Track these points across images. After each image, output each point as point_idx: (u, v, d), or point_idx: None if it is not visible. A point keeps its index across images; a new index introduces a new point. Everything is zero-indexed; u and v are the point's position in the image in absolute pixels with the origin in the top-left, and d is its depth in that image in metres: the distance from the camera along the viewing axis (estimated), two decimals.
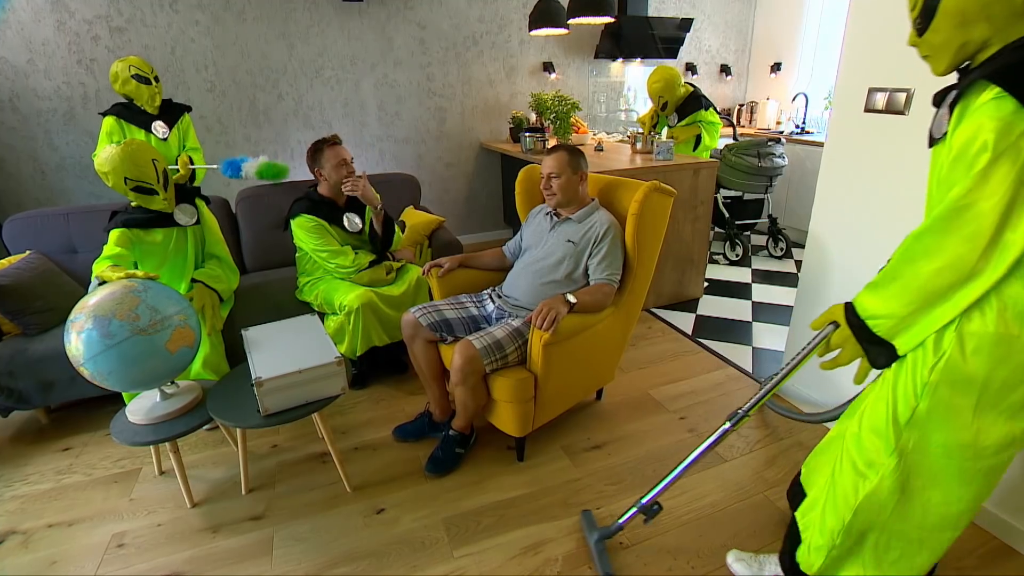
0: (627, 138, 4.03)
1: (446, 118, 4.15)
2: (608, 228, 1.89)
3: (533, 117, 4.02)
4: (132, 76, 2.64)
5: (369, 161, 4.03)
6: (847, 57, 1.82)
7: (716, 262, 3.90)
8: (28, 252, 2.41)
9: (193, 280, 2.22)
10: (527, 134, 3.43)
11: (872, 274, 1.04)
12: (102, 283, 1.69)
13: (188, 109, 2.95)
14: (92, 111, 3.25)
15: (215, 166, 2.61)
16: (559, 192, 1.91)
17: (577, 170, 1.91)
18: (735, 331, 2.89)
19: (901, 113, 1.67)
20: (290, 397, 1.64)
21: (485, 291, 2.11)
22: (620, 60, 4.58)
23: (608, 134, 4.51)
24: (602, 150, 3.47)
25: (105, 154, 1.97)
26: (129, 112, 2.74)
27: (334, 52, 3.70)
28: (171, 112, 2.84)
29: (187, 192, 2.27)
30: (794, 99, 4.67)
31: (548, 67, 4.30)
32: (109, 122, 2.72)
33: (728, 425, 1.34)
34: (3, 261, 2.30)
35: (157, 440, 1.65)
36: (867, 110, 1.78)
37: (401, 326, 2.01)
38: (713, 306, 3.20)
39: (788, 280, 3.56)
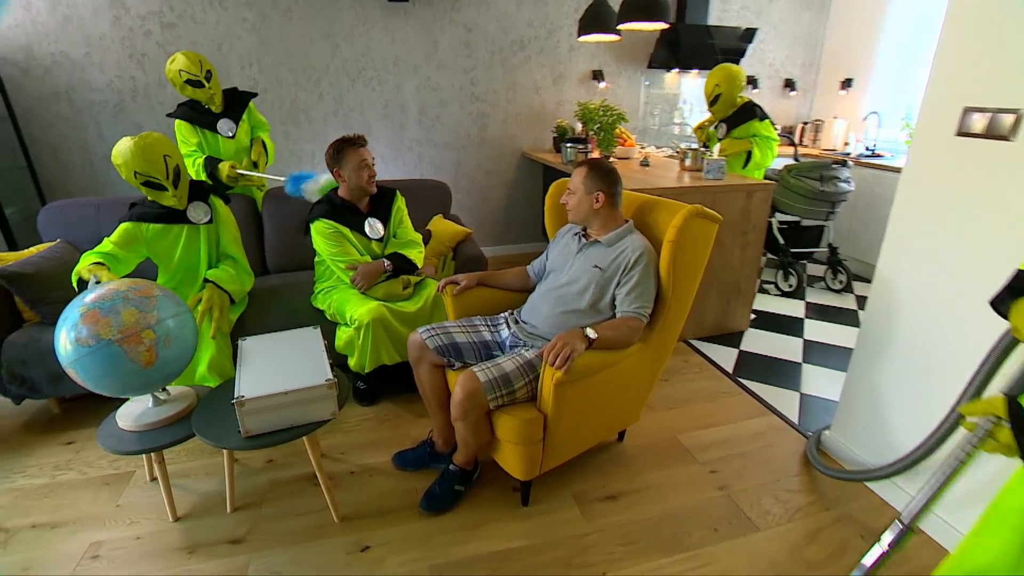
0: (676, 154, 3.77)
1: (488, 124, 4.02)
2: (640, 255, 1.68)
3: (579, 127, 3.83)
4: (185, 82, 2.54)
5: (407, 165, 3.95)
6: (938, 72, 1.54)
7: (766, 292, 3.58)
8: (57, 241, 2.42)
9: (205, 280, 2.16)
10: (569, 144, 3.24)
11: (954, 325, 0.80)
12: (98, 282, 1.63)
13: (254, 95, 2.85)
14: (141, 104, 3.31)
15: (282, 179, 2.47)
16: (571, 210, 1.75)
17: (592, 191, 1.71)
18: (782, 372, 2.59)
19: (1005, 139, 1.38)
20: (275, 419, 1.52)
21: (502, 314, 1.94)
22: (676, 71, 4.32)
23: (658, 148, 4.26)
24: (648, 165, 3.24)
25: (120, 145, 1.93)
26: (195, 113, 2.66)
27: (377, 53, 3.64)
28: (236, 105, 2.75)
29: (203, 190, 2.22)
30: (865, 118, 4.27)
31: (598, 75, 4.10)
32: (180, 126, 2.66)
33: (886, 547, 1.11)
34: (32, 249, 2.31)
35: (141, 450, 1.57)
36: (960, 133, 1.49)
37: (407, 346, 1.87)
38: (759, 341, 2.90)
39: (847, 318, 3.20)
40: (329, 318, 2.31)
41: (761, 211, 2.74)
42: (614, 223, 1.77)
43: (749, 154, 3.12)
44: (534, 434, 1.59)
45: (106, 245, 2.03)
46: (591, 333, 1.56)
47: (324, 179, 2.33)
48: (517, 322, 1.87)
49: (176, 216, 2.14)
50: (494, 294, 2.06)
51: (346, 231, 2.23)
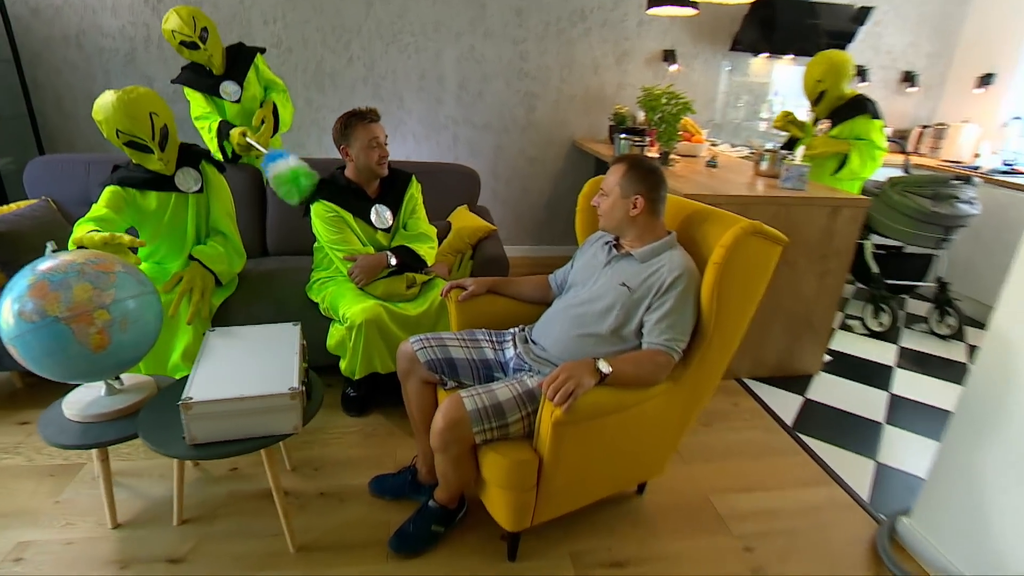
0: (752, 154, 3.57)
1: (536, 106, 3.94)
2: (679, 276, 1.55)
3: (641, 116, 3.69)
4: (180, 44, 2.54)
5: (440, 146, 3.92)
6: None
7: (849, 329, 3.32)
8: (40, 199, 2.51)
9: (190, 257, 2.18)
10: (623, 136, 3.11)
11: None
12: (55, 251, 1.64)
13: (261, 51, 2.82)
14: (153, 55, 3.41)
15: (263, 150, 2.46)
16: (602, 215, 1.65)
17: (629, 194, 1.60)
18: (856, 432, 2.38)
19: None
20: (227, 427, 1.48)
21: (511, 330, 1.85)
22: (766, 55, 4.10)
23: (733, 147, 4.05)
24: (715, 166, 3.07)
25: (102, 99, 1.94)
26: (197, 77, 2.67)
27: (416, 15, 3.62)
28: (240, 63, 2.73)
29: (194, 154, 2.23)
30: (1006, 125, 3.91)
31: (669, 56, 3.94)
32: (190, 93, 2.68)
33: None
34: (12, 205, 2.40)
35: (81, 445, 1.56)
36: None
37: (396, 356, 1.81)
38: (831, 390, 2.68)
39: (951, 372, 2.92)
40: (323, 312, 2.29)
41: (848, 232, 2.53)
42: (652, 234, 1.65)
43: (844, 158, 2.90)
44: (526, 479, 1.49)
45: (99, 209, 2.05)
46: (604, 367, 1.44)
47: (291, 164, 2.23)
48: (526, 341, 1.78)
49: (163, 182, 2.15)
50: (506, 305, 1.97)
51: (348, 216, 2.20)
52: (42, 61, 3.34)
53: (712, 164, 3.10)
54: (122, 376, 1.82)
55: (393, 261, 2.20)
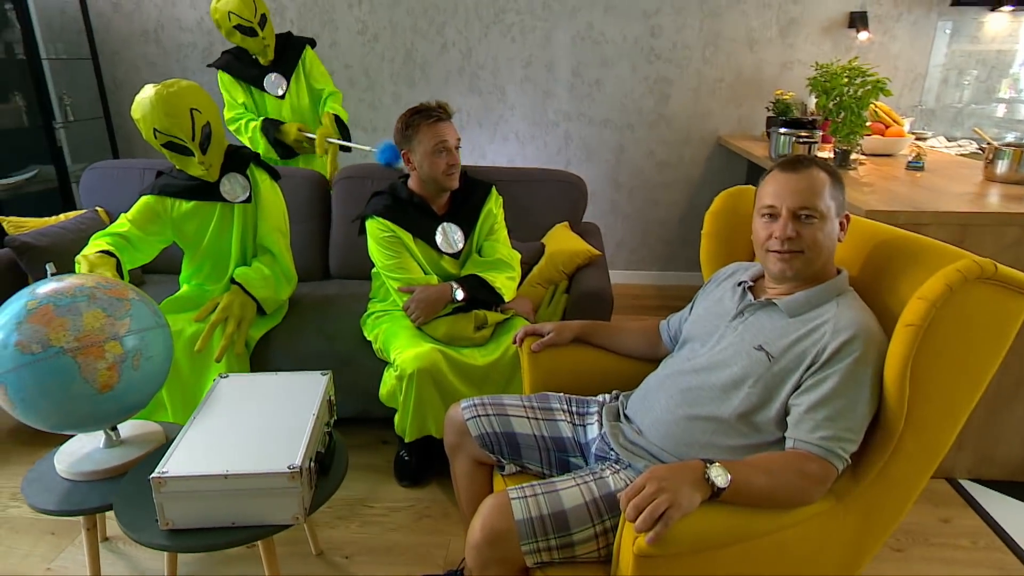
0: (981, 150, 2.98)
1: (670, 94, 3.66)
2: (850, 341, 1.18)
3: (812, 103, 3.26)
4: (235, 27, 2.62)
5: (548, 147, 3.76)
6: None
7: None
8: (90, 210, 2.63)
9: (232, 280, 2.14)
10: (783, 131, 2.72)
11: None
12: (55, 274, 1.62)
13: (311, 43, 2.90)
14: None
15: (368, 148, 2.49)
16: (806, 251, 1.28)
17: (838, 213, 1.32)
18: None
19: None
20: (210, 511, 1.34)
21: (599, 397, 1.58)
22: (1009, 8, 3.44)
23: (951, 141, 3.45)
24: (920, 168, 2.60)
25: (140, 95, 1.95)
26: (239, 64, 2.78)
27: None
28: (288, 55, 2.81)
29: (242, 158, 2.20)
30: None
31: (857, 21, 3.46)
32: (224, 80, 2.80)
33: None
34: (60, 216, 2.53)
35: (60, 511, 1.51)
36: None
37: (445, 423, 1.60)
38: None
39: None
40: (376, 354, 2.15)
41: None
42: (825, 266, 1.31)
43: None
44: None
45: (121, 224, 2.08)
46: (718, 476, 1.10)
47: None
48: (617, 416, 1.48)
49: (207, 191, 2.14)
50: (600, 359, 1.72)
51: (407, 238, 2.06)
52: (121, 59, 3.63)
53: (916, 166, 2.62)
54: (130, 422, 1.78)
55: (460, 295, 2.01)
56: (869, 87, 2.53)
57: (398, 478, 2.17)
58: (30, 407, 1.42)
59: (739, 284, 1.42)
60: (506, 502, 1.24)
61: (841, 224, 1.31)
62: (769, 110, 3.47)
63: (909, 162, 2.65)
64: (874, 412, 1.21)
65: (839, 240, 1.32)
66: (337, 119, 2.76)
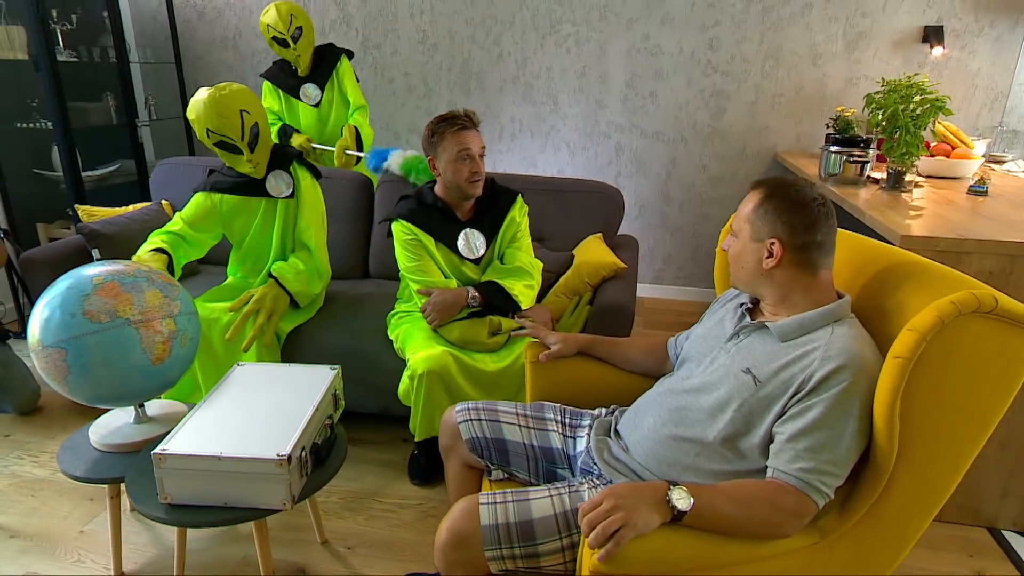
0: None
1: (727, 108, 3.54)
2: (838, 370, 1.11)
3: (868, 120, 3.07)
4: (272, 38, 2.83)
5: (599, 159, 3.72)
6: None
7: None
8: (155, 202, 2.80)
9: (269, 274, 2.23)
10: (834, 149, 2.58)
11: None
12: (100, 259, 1.74)
13: (347, 54, 3.04)
14: None
15: (362, 154, 2.67)
16: (731, 263, 1.32)
17: (762, 237, 1.23)
18: None
19: None
20: (206, 490, 1.40)
21: (595, 411, 1.56)
22: None
23: None
24: (984, 192, 2.40)
25: (195, 97, 2.08)
26: (282, 75, 2.98)
27: (580, 0, 3.45)
28: (324, 65, 2.96)
29: (285, 156, 2.29)
30: None
31: (931, 35, 3.24)
32: (265, 87, 3.02)
33: None
34: (130, 207, 2.71)
35: (87, 478, 1.61)
36: None
37: (440, 425, 1.62)
38: None
39: None
40: (396, 353, 2.19)
41: None
42: (805, 299, 1.23)
43: None
44: None
45: (175, 222, 2.23)
46: (680, 499, 1.06)
47: (409, 153, 2.47)
48: (608, 431, 1.45)
49: (254, 187, 2.25)
50: (605, 373, 1.68)
51: (429, 242, 2.09)
52: (203, 64, 3.85)
53: (978, 191, 2.42)
54: (161, 401, 1.88)
55: (475, 299, 2.02)
56: (928, 105, 2.37)
57: (410, 476, 2.19)
58: (86, 374, 1.50)
59: (740, 306, 1.37)
60: (475, 506, 1.24)
61: (770, 249, 1.22)
62: (829, 127, 3.30)
63: (971, 186, 2.45)
64: (863, 448, 1.13)
65: (765, 263, 1.23)
66: (357, 132, 2.91)
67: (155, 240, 2.13)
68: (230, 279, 2.47)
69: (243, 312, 2.11)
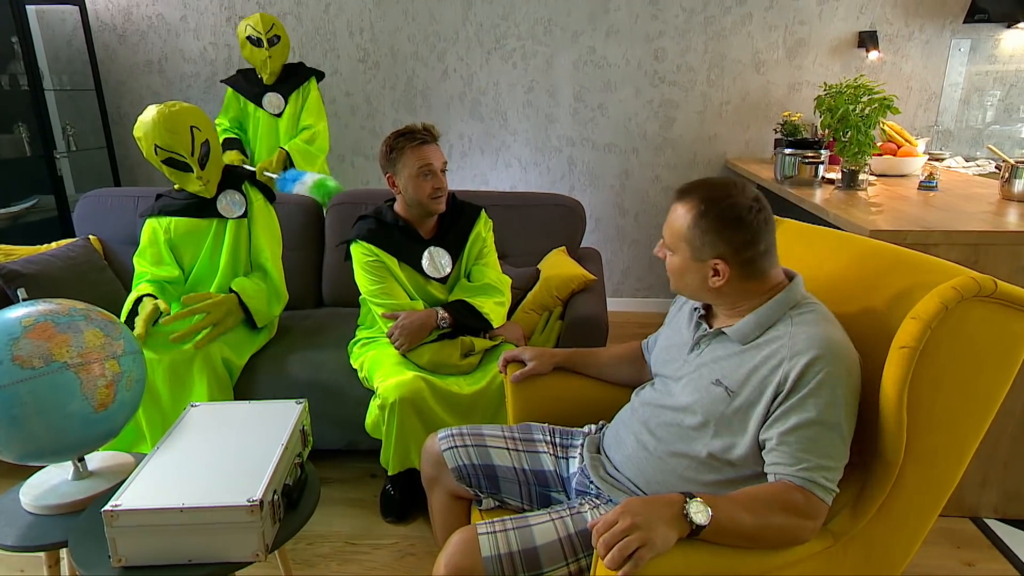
0: (997, 169, 2.90)
1: (676, 117, 3.62)
2: (813, 361, 1.08)
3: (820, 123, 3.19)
4: (247, 38, 2.86)
5: (552, 172, 3.73)
6: None
7: None
8: (81, 238, 2.63)
9: (230, 289, 2.17)
10: (788, 151, 2.66)
11: None
12: (26, 299, 1.61)
13: (317, 75, 3.08)
14: None
15: (275, 176, 2.70)
16: (670, 276, 1.31)
17: (705, 257, 1.19)
18: None
19: None
20: (166, 547, 1.27)
21: (585, 428, 1.51)
22: None
23: (968, 162, 3.35)
24: (934, 188, 2.51)
25: (144, 115, 2.01)
26: (245, 82, 3.01)
27: (524, 13, 3.50)
28: (292, 80, 2.99)
29: (236, 176, 2.25)
30: None
31: (866, 40, 3.41)
32: (227, 94, 3.04)
33: None
34: (51, 244, 2.53)
35: (19, 548, 1.45)
36: None
37: (422, 455, 1.55)
38: None
39: None
40: (361, 382, 2.10)
41: None
42: (757, 299, 1.21)
43: None
44: None
45: (143, 263, 2.18)
46: (698, 513, 1.02)
47: (315, 177, 2.57)
48: (599, 449, 1.41)
49: (204, 207, 2.17)
50: (587, 388, 1.65)
51: (392, 263, 2.02)
52: (126, 90, 3.69)
53: (929, 186, 2.53)
54: (103, 452, 1.74)
55: (444, 320, 1.96)
56: (876, 105, 2.47)
57: (383, 513, 2.09)
58: (16, 427, 1.36)
59: (695, 310, 1.35)
60: (473, 537, 1.18)
61: (716, 269, 1.18)
62: (777, 132, 3.41)
63: (921, 182, 2.56)
64: (854, 428, 1.11)
65: (712, 282, 1.19)
66: (288, 158, 2.92)
67: (147, 289, 2.10)
68: (174, 306, 2.34)
69: (192, 308, 2.03)
